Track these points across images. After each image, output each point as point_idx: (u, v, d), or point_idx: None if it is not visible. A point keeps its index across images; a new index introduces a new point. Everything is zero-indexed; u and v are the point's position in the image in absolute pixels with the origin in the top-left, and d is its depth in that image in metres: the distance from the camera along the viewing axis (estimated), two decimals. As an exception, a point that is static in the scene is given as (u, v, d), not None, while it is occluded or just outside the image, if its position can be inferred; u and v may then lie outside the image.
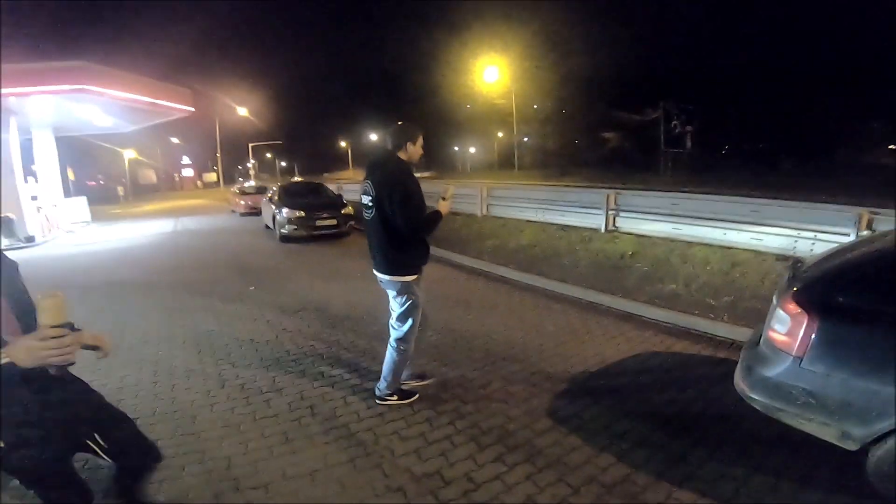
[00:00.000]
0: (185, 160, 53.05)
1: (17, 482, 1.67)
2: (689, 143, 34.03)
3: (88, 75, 11.65)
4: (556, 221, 9.21)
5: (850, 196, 9.46)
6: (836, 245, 3.53)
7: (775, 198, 7.64)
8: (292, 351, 4.11)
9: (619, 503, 2.19)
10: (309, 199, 11.34)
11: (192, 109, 17.28)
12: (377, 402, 3.12)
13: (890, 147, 32.06)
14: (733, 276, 5.42)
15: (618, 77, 33.68)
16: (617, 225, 8.20)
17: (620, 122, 40.06)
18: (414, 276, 2.94)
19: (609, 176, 24.25)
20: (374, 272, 3.00)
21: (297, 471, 2.46)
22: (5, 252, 1.55)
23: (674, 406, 3.02)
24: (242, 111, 40.09)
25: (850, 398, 2.09)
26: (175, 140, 47.09)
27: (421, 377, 3.36)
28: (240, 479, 2.39)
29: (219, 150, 43.98)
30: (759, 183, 17.39)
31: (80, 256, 9.91)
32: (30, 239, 11.65)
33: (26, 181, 13.44)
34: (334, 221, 10.66)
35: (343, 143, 57.83)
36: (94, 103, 13.06)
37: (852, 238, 5.24)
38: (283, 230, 10.47)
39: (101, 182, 33.21)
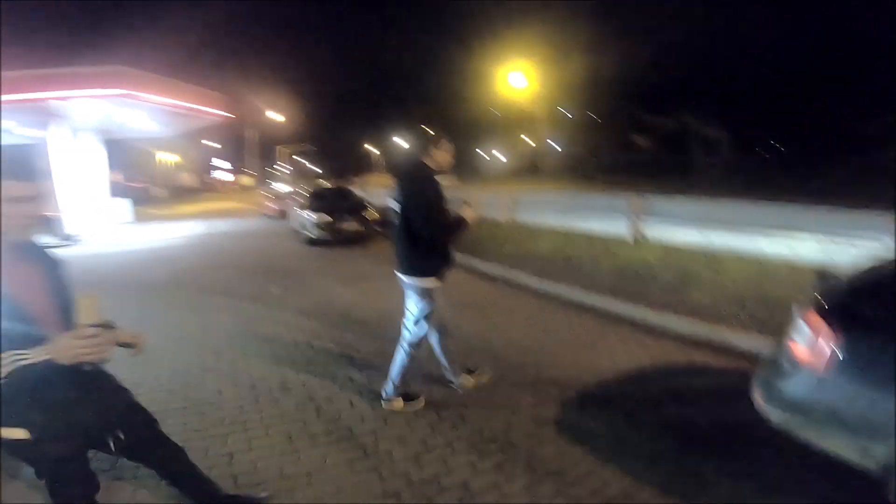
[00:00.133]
0: (222, 163, 54.90)
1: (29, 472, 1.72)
2: (724, 148, 32.82)
3: (129, 80, 12.20)
4: (579, 228, 9.06)
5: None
6: (870, 254, 3.33)
7: (813, 204, 7.29)
8: (306, 352, 4.16)
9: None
10: (335, 203, 11.47)
11: (231, 115, 17.91)
12: (383, 404, 3.12)
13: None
14: (765, 287, 5.16)
15: (649, 78, 32.62)
16: (643, 232, 7.98)
17: (652, 126, 38.98)
18: (435, 281, 2.95)
19: (639, 182, 23.65)
20: (396, 273, 3.03)
21: (295, 470, 2.47)
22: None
23: (687, 418, 2.89)
24: (277, 116, 41.20)
25: (873, 415, 1.95)
26: (213, 144, 48.84)
27: (470, 371, 3.38)
28: (238, 475, 2.42)
29: (254, 154, 45.35)
30: (800, 188, 16.57)
31: (116, 255, 10.36)
32: (71, 238, 12.25)
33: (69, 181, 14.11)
34: (359, 226, 10.78)
35: (371, 148, 58.63)
36: (135, 107, 13.67)
37: (890, 245, 4.94)
38: (309, 234, 10.67)
39: (145, 184, 34.75)
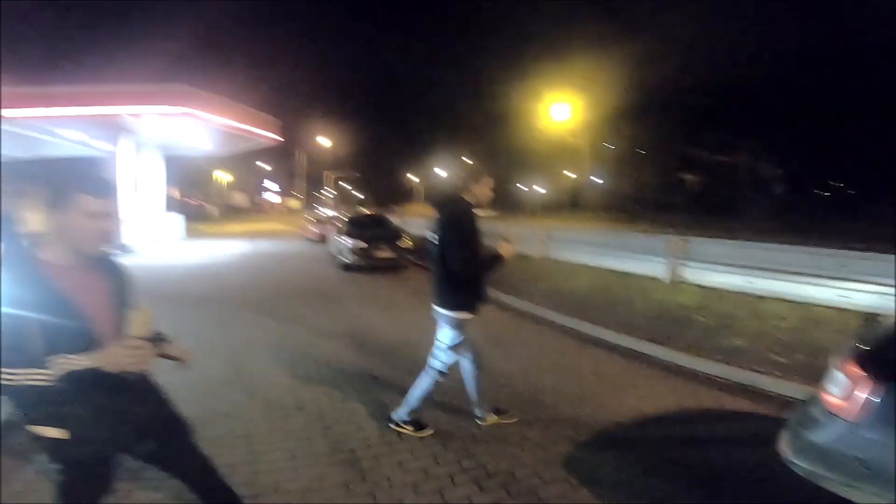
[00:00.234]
0: (272, 185, 57.43)
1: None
2: (779, 187, 31.32)
3: (191, 99, 12.99)
4: (615, 267, 8.79)
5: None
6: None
7: (870, 251, 6.79)
8: (325, 373, 4.20)
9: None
10: (372, 230, 11.72)
11: (281, 139, 18.78)
12: (390, 425, 3.09)
13: None
14: (810, 334, 4.84)
15: (700, 111, 31.67)
16: (682, 274, 7.67)
17: (702, 162, 37.84)
18: (467, 314, 2.95)
19: (685, 221, 22.92)
20: (432, 304, 3.05)
21: (291, 486, 2.47)
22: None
23: (709, 465, 2.71)
24: (325, 141, 42.96)
25: None
26: (265, 166, 51.25)
27: (499, 411, 3.28)
28: (234, 486, 2.42)
29: (302, 178, 47.26)
30: (861, 233, 15.49)
31: (163, 269, 10.93)
32: (125, 248, 12.98)
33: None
34: (393, 254, 10.94)
35: (412, 177, 59.90)
36: (195, 126, 14.52)
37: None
38: (344, 259, 10.91)
39: (200, 202, 36.67)
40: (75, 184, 1.48)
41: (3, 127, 12.07)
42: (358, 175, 57.14)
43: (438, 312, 3.00)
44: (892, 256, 5.50)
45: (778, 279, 6.43)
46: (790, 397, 3.58)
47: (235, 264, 12.22)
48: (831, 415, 2.08)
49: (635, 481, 2.55)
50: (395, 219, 15.02)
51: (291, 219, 34.82)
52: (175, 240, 17.74)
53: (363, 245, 10.75)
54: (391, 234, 11.74)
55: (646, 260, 8.32)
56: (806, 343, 4.58)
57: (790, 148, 30.50)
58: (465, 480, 2.56)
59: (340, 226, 12.42)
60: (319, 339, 5.26)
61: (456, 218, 2.90)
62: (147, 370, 1.56)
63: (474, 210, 2.95)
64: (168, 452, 1.78)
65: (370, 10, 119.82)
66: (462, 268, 2.82)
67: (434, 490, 2.47)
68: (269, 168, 53.60)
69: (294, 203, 53.94)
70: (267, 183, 59.28)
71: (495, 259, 2.90)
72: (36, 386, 1.35)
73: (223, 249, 15.52)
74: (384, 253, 10.85)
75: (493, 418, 3.23)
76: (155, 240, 15.51)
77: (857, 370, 2.03)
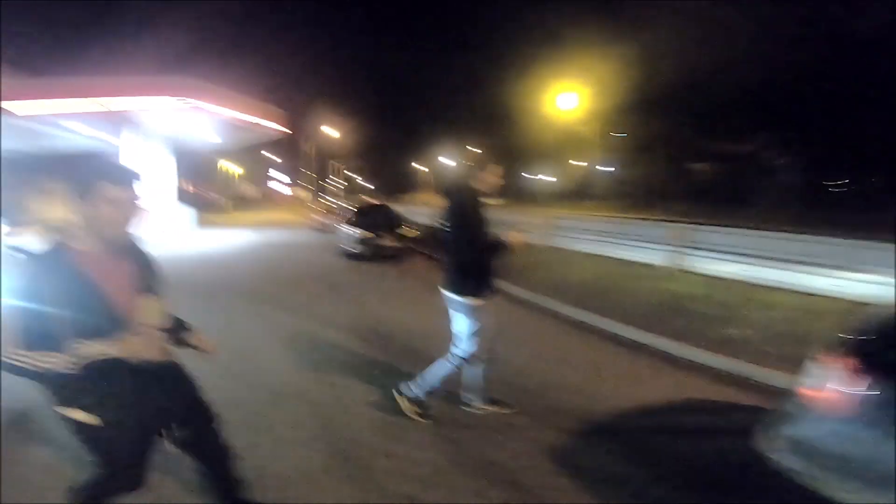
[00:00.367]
0: (281, 175, 57.65)
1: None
2: (792, 177, 30.75)
3: (197, 91, 12.96)
4: (617, 256, 8.80)
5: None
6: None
7: (877, 241, 6.72)
8: (322, 361, 4.27)
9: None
10: (376, 220, 11.80)
11: (289, 131, 18.76)
12: (395, 394, 3.20)
13: None
14: (812, 325, 4.81)
15: (711, 100, 30.89)
16: (685, 263, 7.63)
17: (712, 152, 37.26)
18: (475, 300, 2.99)
19: (693, 211, 22.71)
20: (441, 289, 3.10)
21: (271, 470, 2.55)
22: None
23: (699, 457, 2.74)
24: (332, 131, 42.92)
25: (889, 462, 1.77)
26: (273, 157, 51.43)
27: (494, 402, 3.32)
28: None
29: (310, 168, 47.39)
30: (868, 223, 15.22)
31: (174, 259, 11.05)
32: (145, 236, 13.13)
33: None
34: (397, 243, 11.05)
35: (419, 166, 59.72)
36: (202, 118, 14.53)
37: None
38: (349, 248, 11.02)
39: (210, 193, 36.90)
40: (98, 173, 1.52)
41: (9, 120, 12.14)
42: (366, 165, 57.21)
43: (449, 298, 3.06)
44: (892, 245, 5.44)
45: (781, 269, 6.40)
46: (784, 388, 3.58)
47: (243, 254, 12.37)
48: (814, 409, 2.04)
49: (624, 472, 2.59)
50: (402, 208, 15.07)
51: (299, 209, 34.97)
52: (187, 230, 17.95)
53: (368, 234, 10.87)
54: (395, 224, 11.82)
55: (648, 248, 8.32)
56: (807, 334, 4.56)
57: (803, 139, 29.84)
58: (448, 468, 2.61)
59: (347, 216, 12.52)
60: (324, 329, 5.33)
61: (460, 204, 2.96)
62: (170, 358, 1.61)
63: (482, 198, 2.99)
64: (191, 436, 1.84)
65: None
66: (470, 254, 2.90)
67: (416, 478, 2.52)
68: (277, 159, 53.76)
69: (302, 193, 54.14)
70: (275, 174, 59.49)
71: (501, 246, 2.94)
72: (57, 370, 1.40)
73: (232, 239, 15.69)
74: (388, 242, 10.95)
75: (486, 409, 3.27)
76: (167, 231, 15.70)
77: (845, 362, 1.99)
